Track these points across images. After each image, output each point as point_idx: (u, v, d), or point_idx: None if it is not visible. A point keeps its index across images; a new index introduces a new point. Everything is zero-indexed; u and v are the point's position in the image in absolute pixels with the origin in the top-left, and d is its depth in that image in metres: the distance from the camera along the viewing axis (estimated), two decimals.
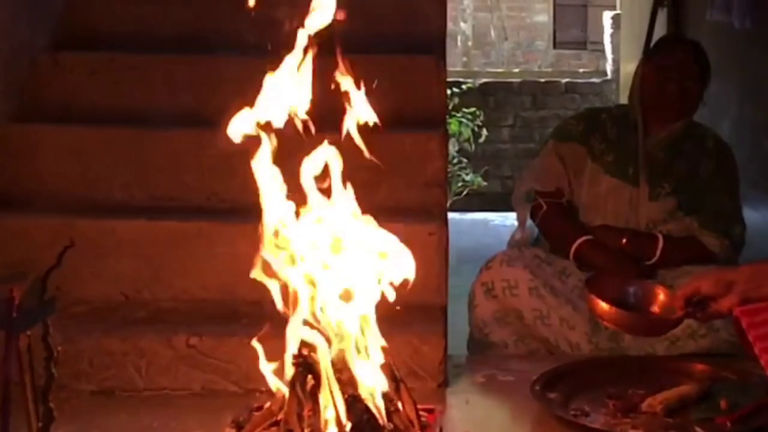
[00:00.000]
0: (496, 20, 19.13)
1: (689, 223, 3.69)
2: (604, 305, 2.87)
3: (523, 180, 3.86)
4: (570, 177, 3.78)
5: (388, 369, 2.50)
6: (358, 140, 2.44)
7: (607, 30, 14.48)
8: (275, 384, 2.47)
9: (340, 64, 2.45)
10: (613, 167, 3.75)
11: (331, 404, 2.34)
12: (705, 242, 3.66)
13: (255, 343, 2.48)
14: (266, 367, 2.49)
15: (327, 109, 2.44)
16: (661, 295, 2.94)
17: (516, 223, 3.86)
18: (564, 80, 13.95)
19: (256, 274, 2.42)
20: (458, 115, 11.27)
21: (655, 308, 2.94)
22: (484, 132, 11.60)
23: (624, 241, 3.62)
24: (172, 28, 4.20)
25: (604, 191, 3.75)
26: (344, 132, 2.45)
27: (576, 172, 3.79)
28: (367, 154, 2.43)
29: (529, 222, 3.79)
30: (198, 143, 3.65)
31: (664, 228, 3.69)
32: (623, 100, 4.77)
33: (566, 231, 3.70)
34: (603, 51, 15.21)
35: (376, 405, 2.39)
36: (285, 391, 2.42)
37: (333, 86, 2.45)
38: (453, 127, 10.88)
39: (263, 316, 2.50)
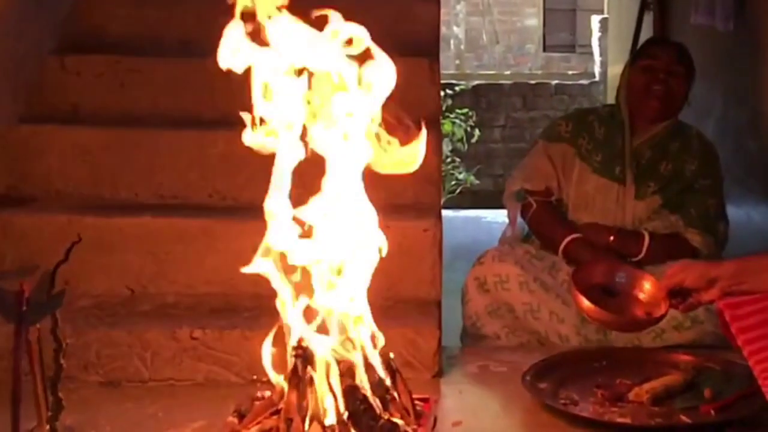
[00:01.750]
0: (488, 24, 19.13)
1: (674, 220, 3.69)
2: (587, 303, 2.89)
3: (513, 179, 3.86)
4: (559, 176, 3.79)
5: (385, 360, 2.51)
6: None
7: (595, 33, 14.48)
8: (275, 375, 2.48)
9: None
10: (600, 167, 3.75)
11: (329, 394, 2.34)
12: (689, 239, 3.66)
13: (266, 345, 2.47)
14: (268, 360, 2.49)
15: None
16: (647, 285, 2.95)
17: (507, 220, 3.87)
18: (553, 82, 13.97)
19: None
20: (451, 115, 11.29)
21: (641, 295, 2.95)
22: (477, 132, 11.62)
23: (611, 238, 3.62)
24: (175, 32, 4.20)
25: (592, 190, 3.75)
26: None
27: (565, 172, 3.79)
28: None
29: (520, 220, 3.80)
30: (200, 143, 3.66)
31: (649, 225, 3.69)
32: (611, 100, 4.78)
33: (555, 229, 3.70)
34: (591, 54, 15.21)
35: (373, 394, 2.41)
36: (285, 381, 2.43)
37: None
38: (446, 127, 10.89)
39: (264, 310, 2.50)
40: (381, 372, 2.47)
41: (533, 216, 3.74)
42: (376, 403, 2.39)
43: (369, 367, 2.46)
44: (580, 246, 3.61)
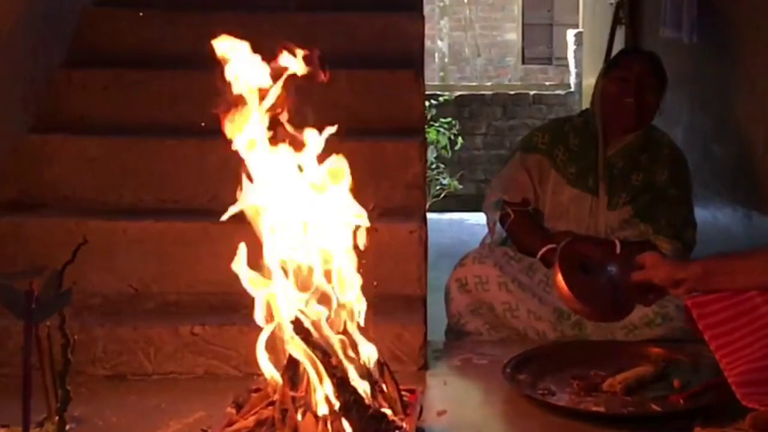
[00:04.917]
0: (470, 39, 19.13)
1: (644, 229, 3.65)
2: (565, 289, 2.87)
3: (492, 190, 3.81)
4: (535, 186, 3.75)
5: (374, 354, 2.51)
6: None
7: (571, 46, 14.46)
8: (270, 369, 2.48)
9: None
10: (574, 178, 3.72)
11: (321, 386, 2.34)
12: (659, 246, 3.62)
13: (260, 344, 2.47)
14: (263, 354, 2.49)
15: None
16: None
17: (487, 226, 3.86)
18: (532, 92, 13.96)
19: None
20: (436, 124, 11.28)
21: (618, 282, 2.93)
22: (460, 140, 11.61)
23: None
24: (175, 47, 4.20)
25: (567, 200, 3.72)
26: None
27: (541, 182, 3.75)
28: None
29: (499, 227, 3.77)
30: (200, 150, 3.66)
31: (621, 234, 3.65)
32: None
33: (533, 239, 3.66)
34: (567, 66, 15.20)
35: (363, 386, 2.41)
36: (279, 375, 2.43)
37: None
38: (431, 135, 10.89)
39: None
40: (370, 365, 2.47)
41: (511, 225, 3.70)
42: (365, 394, 2.39)
43: (359, 361, 2.46)
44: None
